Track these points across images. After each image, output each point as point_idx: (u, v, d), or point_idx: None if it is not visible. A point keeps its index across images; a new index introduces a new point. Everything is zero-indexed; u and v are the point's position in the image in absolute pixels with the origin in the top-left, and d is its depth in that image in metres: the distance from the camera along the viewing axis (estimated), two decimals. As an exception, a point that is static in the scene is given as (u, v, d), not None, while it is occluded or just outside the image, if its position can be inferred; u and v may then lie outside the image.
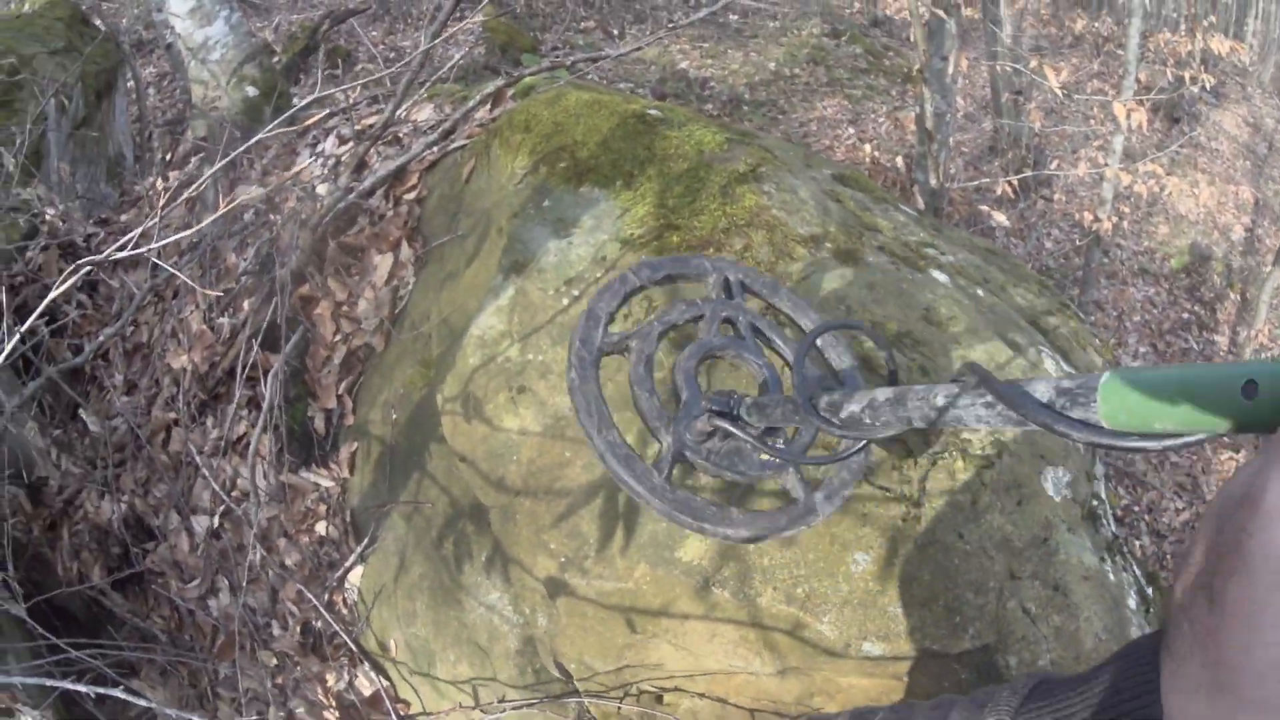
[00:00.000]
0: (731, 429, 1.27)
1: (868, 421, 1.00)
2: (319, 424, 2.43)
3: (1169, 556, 5.22)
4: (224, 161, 1.90)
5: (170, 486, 2.63)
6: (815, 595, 1.78)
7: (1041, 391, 0.73)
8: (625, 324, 1.90)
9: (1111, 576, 2.00)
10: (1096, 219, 4.66)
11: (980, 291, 2.20)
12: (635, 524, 1.89)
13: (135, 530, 2.75)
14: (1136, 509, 5.39)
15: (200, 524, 2.58)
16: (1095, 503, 2.14)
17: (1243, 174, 8.64)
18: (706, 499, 1.35)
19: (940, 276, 2.14)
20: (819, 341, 1.52)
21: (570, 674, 2.05)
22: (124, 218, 3.07)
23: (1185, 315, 6.85)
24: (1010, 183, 4.30)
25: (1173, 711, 0.47)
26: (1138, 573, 2.17)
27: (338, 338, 2.41)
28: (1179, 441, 0.59)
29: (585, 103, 2.34)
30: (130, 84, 3.41)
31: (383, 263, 2.39)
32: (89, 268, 2.59)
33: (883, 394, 0.98)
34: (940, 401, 0.88)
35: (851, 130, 5.41)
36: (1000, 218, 3.81)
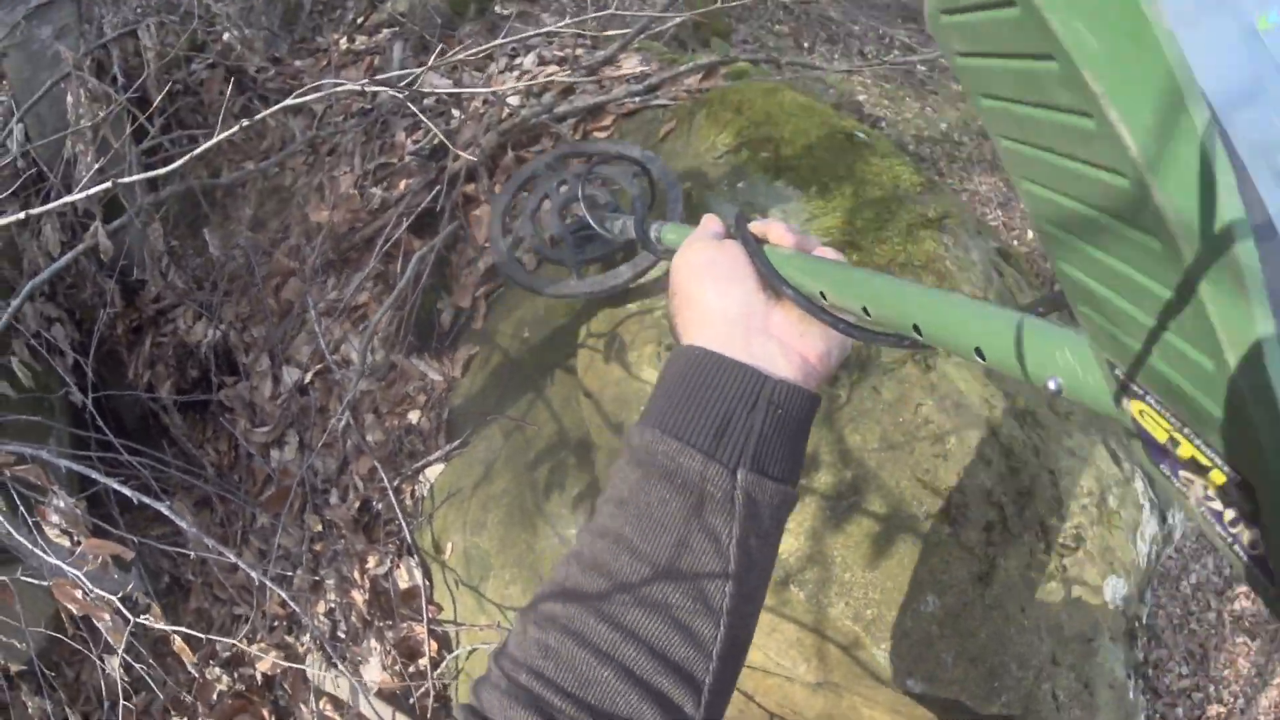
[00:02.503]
0: (590, 230, 1.95)
1: (608, 229, 1.84)
2: (445, 319, 2.45)
3: (1159, 718, 5.26)
4: (440, 59, 1.92)
5: (271, 330, 2.65)
6: (881, 621, 1.82)
7: (652, 230, 1.33)
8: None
9: (1131, 695, 2.09)
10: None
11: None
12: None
13: (221, 361, 2.76)
14: (1144, 660, 5.44)
15: (291, 375, 2.59)
16: (1137, 624, 2.21)
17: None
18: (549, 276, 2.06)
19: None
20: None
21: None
22: (299, 64, 3.09)
23: None
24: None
25: (683, 333, 0.95)
26: (1144, 702, 2.26)
27: (489, 243, 2.43)
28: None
29: (800, 104, 2.37)
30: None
31: (555, 187, 2.42)
32: (278, 99, 2.61)
33: (622, 218, 1.79)
34: (621, 222, 1.76)
35: (1000, 213, 5.45)
36: None
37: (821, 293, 0.86)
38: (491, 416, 2.29)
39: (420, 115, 1.86)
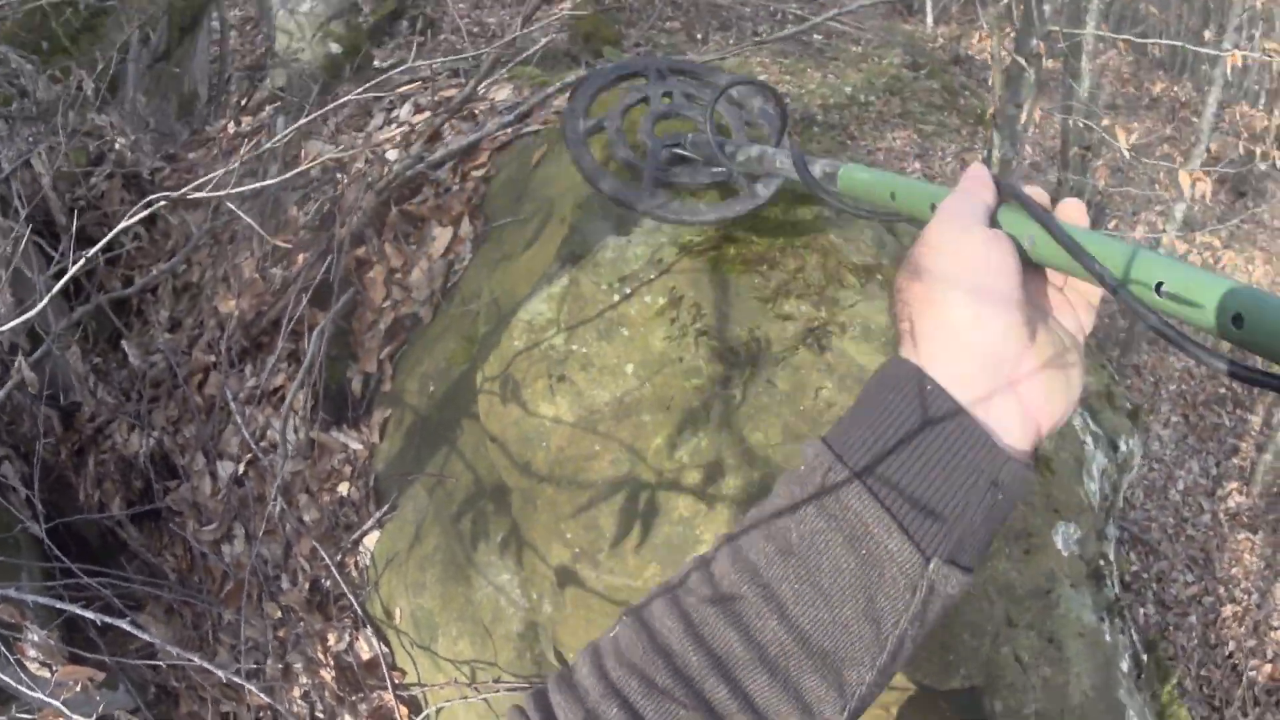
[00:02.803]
0: (683, 151, 1.88)
1: (740, 162, 1.64)
2: (356, 386, 2.44)
3: (1172, 629, 5.16)
4: (308, 118, 1.92)
5: (200, 428, 2.66)
6: None
7: (816, 168, 1.14)
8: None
9: (1108, 637, 2.01)
10: (1148, 285, 4.58)
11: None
12: (652, 524, 1.88)
13: (160, 467, 2.77)
14: (1145, 576, 5.35)
15: (225, 469, 2.60)
16: (1102, 563, 2.14)
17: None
18: (680, 202, 1.92)
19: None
20: (735, 95, 2.08)
21: (567, 663, 2.05)
22: (192, 156, 3.10)
23: (1221, 391, 6.77)
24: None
25: (921, 353, 0.75)
26: (1135, 637, 2.18)
27: (386, 303, 2.42)
28: (887, 213, 0.98)
29: (661, 105, 2.34)
30: (215, 24, 3.45)
31: (442, 235, 2.41)
32: (161, 202, 2.62)
33: (755, 149, 1.58)
34: (773, 159, 1.48)
35: (918, 165, 5.38)
36: None
37: (1160, 286, 0.64)
38: (412, 476, 2.28)
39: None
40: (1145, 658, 2.26)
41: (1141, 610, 5.07)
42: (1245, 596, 5.53)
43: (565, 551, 1.96)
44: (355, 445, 2.40)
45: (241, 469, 2.56)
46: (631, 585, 1.89)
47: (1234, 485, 6.14)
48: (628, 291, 2.05)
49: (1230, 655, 5.21)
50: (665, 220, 1.91)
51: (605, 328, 2.04)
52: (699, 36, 5.60)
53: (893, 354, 0.78)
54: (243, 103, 3.13)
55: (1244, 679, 5.16)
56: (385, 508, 2.33)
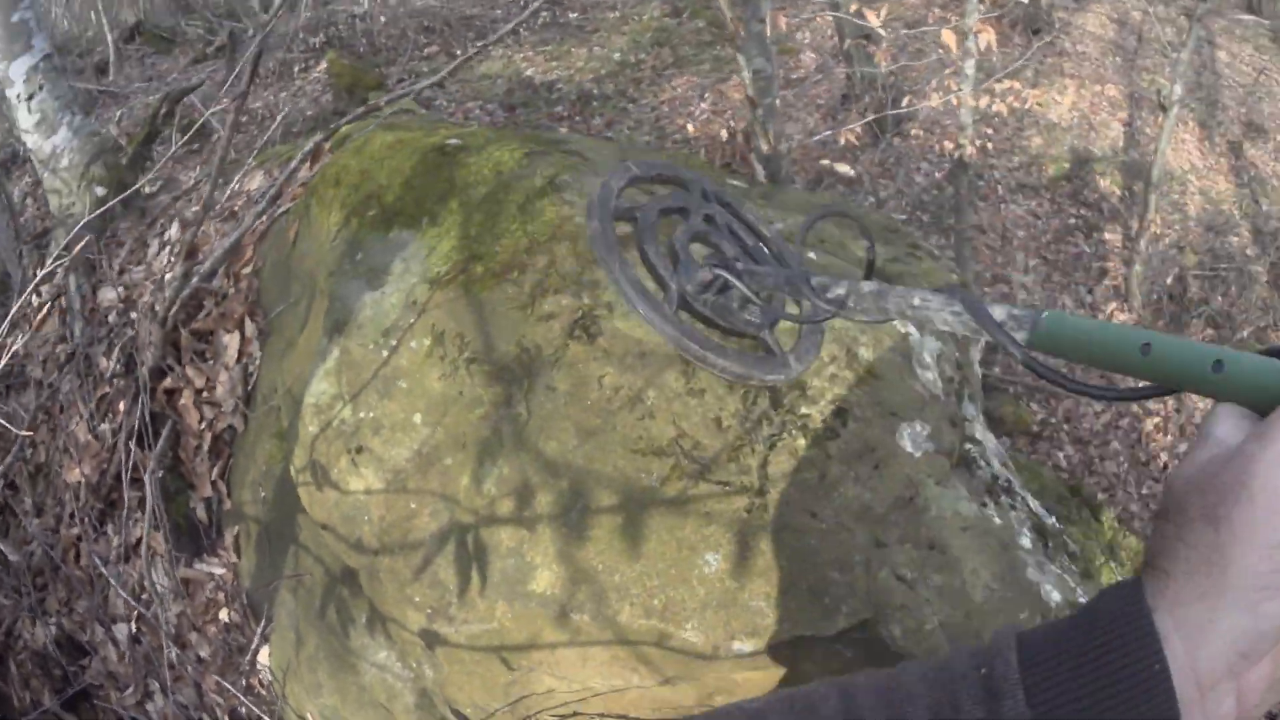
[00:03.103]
0: (731, 278, 1.47)
1: (850, 304, 1.20)
2: (201, 514, 2.43)
3: (1098, 460, 5.10)
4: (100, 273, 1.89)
5: (89, 600, 2.64)
6: (673, 604, 1.74)
7: (996, 313, 0.93)
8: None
9: (997, 520, 1.88)
10: (958, 145, 4.52)
11: (812, 254, 2.14)
12: (486, 563, 1.86)
13: (69, 649, 2.76)
14: (1054, 420, 5.29)
15: (121, 632, 2.58)
16: (969, 446, 2.05)
17: (1114, 70, 8.38)
18: (705, 333, 1.51)
19: (759, 249, 2.08)
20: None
21: (468, 718, 2.04)
22: (8, 339, 3.07)
23: (1071, 221, 6.66)
24: (853, 131, 4.21)
25: (1176, 621, 0.60)
26: (1033, 506, 2.05)
27: (203, 425, 2.40)
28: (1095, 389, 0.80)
29: (388, 144, 2.30)
30: (3, 201, 3.42)
31: (231, 342, 2.38)
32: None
33: (867, 285, 1.17)
34: (916, 301, 1.06)
35: (704, 105, 5.31)
36: (844, 168, 3.72)
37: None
38: (274, 584, 2.26)
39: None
40: (1051, 522, 2.13)
41: (1061, 454, 5.02)
42: (1162, 406, 5.46)
43: (419, 615, 1.95)
44: (219, 570, 2.38)
45: (134, 627, 2.55)
46: (489, 628, 1.88)
47: (1114, 306, 6.05)
48: (394, 344, 2.02)
49: (1165, 466, 5.15)
50: (688, 352, 1.48)
51: (383, 386, 2.01)
52: (459, 52, 5.53)
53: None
54: (36, 273, 3.10)
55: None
56: (264, 621, 2.32)
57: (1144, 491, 4.88)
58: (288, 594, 2.26)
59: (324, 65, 4.66)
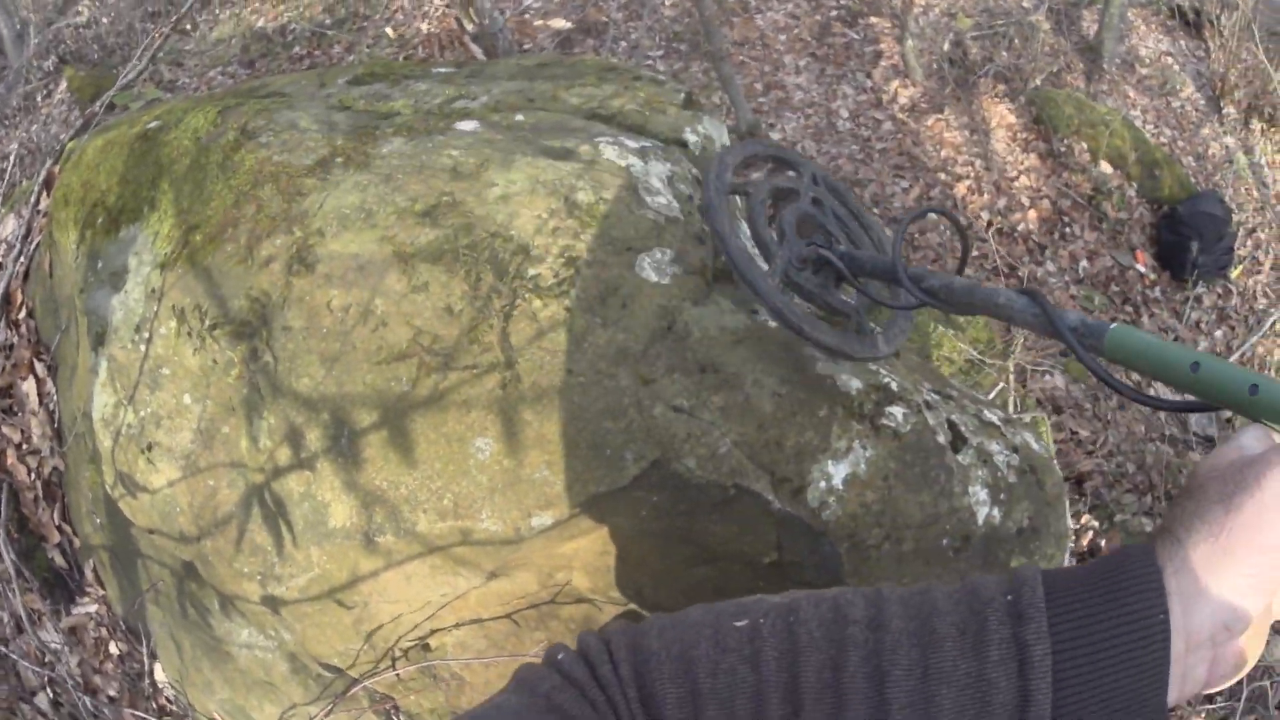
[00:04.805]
0: (833, 258, 1.60)
1: (941, 297, 1.34)
2: (60, 560, 2.44)
3: (916, 235, 5.04)
4: None
5: (6, 685, 2.67)
6: (462, 499, 1.73)
7: (1070, 319, 1.04)
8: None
9: (772, 323, 1.81)
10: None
11: (520, 116, 2.11)
12: (288, 515, 1.87)
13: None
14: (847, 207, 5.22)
15: (42, 702, 2.61)
16: (724, 259, 2.00)
17: None
18: (803, 307, 1.62)
19: (466, 126, 2.06)
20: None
21: (339, 667, 2.06)
22: None
23: (834, 14, 6.47)
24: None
25: (1178, 583, 0.71)
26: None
27: (32, 476, 2.40)
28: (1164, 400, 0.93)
29: (100, 149, 2.27)
30: None
31: (30, 388, 2.37)
32: None
33: (959, 281, 1.32)
34: (1001, 300, 1.20)
35: (438, 1, 5.20)
36: (557, 24, 3.65)
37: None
38: (137, 601, 2.28)
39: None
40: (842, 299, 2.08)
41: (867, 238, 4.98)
42: (969, 167, 5.38)
43: (254, 585, 1.97)
44: (93, 608, 2.40)
45: (50, 693, 2.58)
46: (313, 575, 1.90)
47: (896, 84, 5.90)
48: (147, 336, 2.01)
49: (990, 223, 5.10)
50: (785, 323, 1.56)
51: (151, 380, 2.01)
52: (187, 27, 5.43)
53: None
54: None
55: (1016, 234, 5.05)
56: (146, 640, 2.35)
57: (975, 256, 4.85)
58: (152, 606, 2.28)
59: (63, 84, 4.59)
